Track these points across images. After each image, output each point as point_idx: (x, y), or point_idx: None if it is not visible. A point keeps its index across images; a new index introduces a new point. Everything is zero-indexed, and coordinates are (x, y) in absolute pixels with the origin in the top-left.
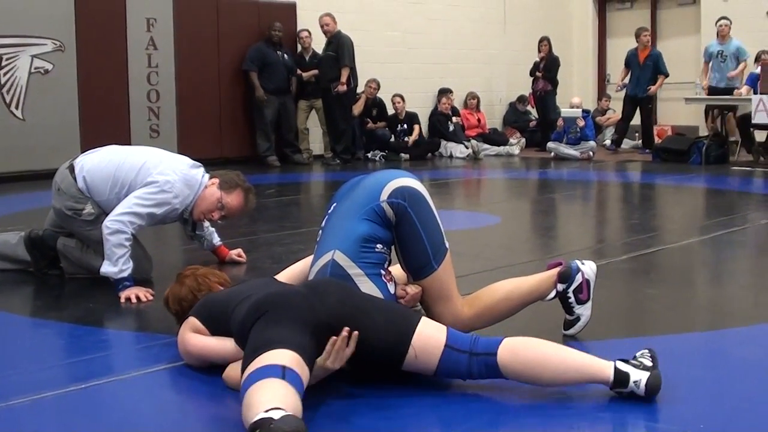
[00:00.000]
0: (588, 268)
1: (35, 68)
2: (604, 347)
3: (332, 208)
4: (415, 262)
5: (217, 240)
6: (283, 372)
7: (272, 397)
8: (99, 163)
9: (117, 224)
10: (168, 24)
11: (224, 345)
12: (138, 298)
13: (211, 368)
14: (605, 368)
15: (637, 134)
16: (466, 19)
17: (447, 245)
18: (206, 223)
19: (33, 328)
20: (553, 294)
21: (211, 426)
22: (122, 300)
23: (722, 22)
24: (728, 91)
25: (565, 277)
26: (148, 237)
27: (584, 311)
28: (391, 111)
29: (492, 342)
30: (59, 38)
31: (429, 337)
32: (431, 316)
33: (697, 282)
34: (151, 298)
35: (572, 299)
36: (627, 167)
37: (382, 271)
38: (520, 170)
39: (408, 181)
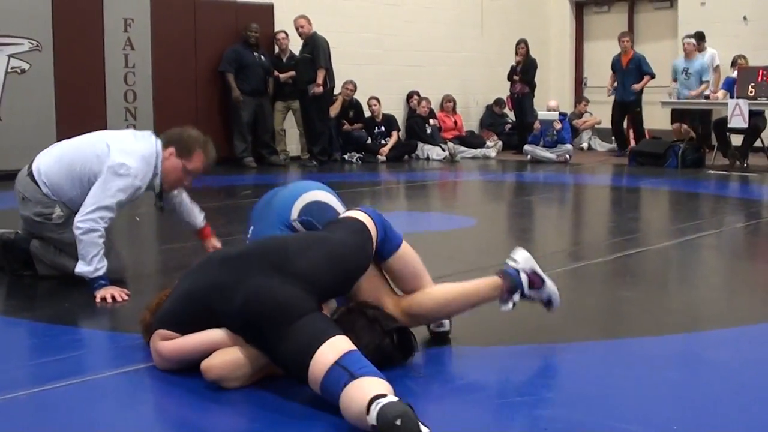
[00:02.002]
0: (522, 261)
1: (12, 68)
2: (580, 349)
3: (250, 231)
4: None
5: (201, 220)
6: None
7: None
8: (53, 165)
9: (88, 223)
10: (145, 24)
11: (205, 337)
12: (113, 297)
13: (183, 369)
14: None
15: (613, 138)
16: (442, 22)
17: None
18: (184, 196)
19: (7, 327)
20: (511, 306)
21: (183, 426)
22: (98, 299)
23: (686, 40)
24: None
25: (513, 287)
26: (124, 237)
27: (548, 289)
28: (367, 113)
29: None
30: (36, 38)
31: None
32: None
33: (672, 285)
34: (126, 298)
35: (532, 294)
36: (603, 171)
37: None
38: (497, 173)
39: (315, 194)
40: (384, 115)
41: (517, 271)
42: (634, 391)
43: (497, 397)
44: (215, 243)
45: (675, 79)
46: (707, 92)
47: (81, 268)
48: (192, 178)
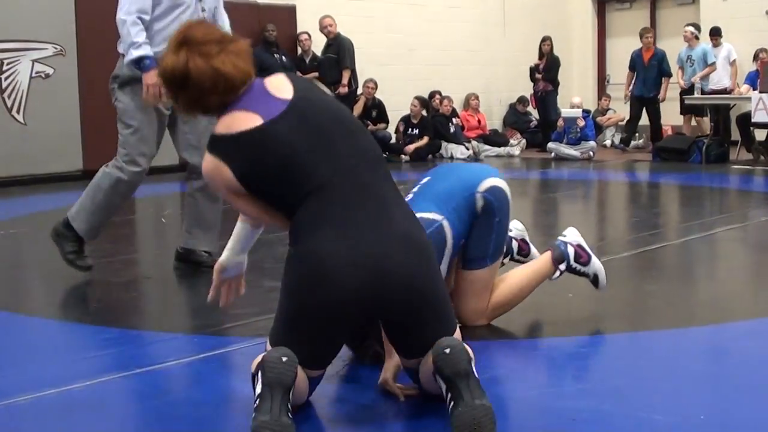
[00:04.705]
0: (570, 236)
1: (36, 73)
2: (607, 341)
3: (422, 182)
4: (474, 252)
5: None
6: None
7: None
8: None
9: (117, 15)
10: None
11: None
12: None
13: (225, 365)
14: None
15: (636, 134)
16: (465, 21)
17: (502, 256)
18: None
19: (38, 327)
20: (558, 274)
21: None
22: (144, 88)
23: (687, 28)
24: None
25: (560, 258)
26: (150, 239)
27: (594, 267)
28: (400, 112)
29: None
30: (60, 42)
31: None
32: (455, 306)
33: (698, 278)
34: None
35: (578, 267)
36: (627, 167)
37: None
38: (521, 171)
39: (502, 183)
40: (422, 116)
41: (565, 243)
42: (662, 382)
43: (525, 388)
44: None
45: (681, 68)
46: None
47: (127, 59)
48: None
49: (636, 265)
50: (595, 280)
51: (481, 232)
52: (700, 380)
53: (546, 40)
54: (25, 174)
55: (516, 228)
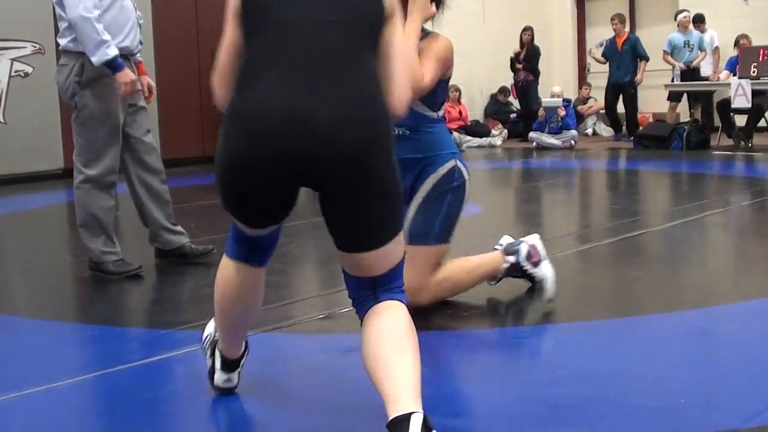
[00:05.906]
0: (528, 238)
1: (15, 72)
2: (590, 328)
3: None
4: (419, 227)
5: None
6: None
7: None
8: None
9: (76, 12)
10: (147, 22)
11: None
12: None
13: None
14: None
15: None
16: (444, 11)
17: (451, 241)
18: None
19: (21, 326)
20: (505, 265)
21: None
22: (122, 87)
23: (684, 14)
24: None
25: (511, 250)
26: (134, 231)
27: (543, 271)
28: None
29: None
30: (38, 41)
31: None
32: None
33: (680, 263)
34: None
35: (526, 266)
36: (609, 155)
37: None
38: (503, 161)
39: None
40: None
41: (519, 241)
42: (644, 367)
43: (508, 375)
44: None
45: (668, 53)
46: (707, 67)
47: (97, 58)
48: None
49: (618, 251)
50: (541, 284)
51: (432, 209)
52: (681, 364)
53: (527, 30)
54: (5, 173)
55: (530, 236)
